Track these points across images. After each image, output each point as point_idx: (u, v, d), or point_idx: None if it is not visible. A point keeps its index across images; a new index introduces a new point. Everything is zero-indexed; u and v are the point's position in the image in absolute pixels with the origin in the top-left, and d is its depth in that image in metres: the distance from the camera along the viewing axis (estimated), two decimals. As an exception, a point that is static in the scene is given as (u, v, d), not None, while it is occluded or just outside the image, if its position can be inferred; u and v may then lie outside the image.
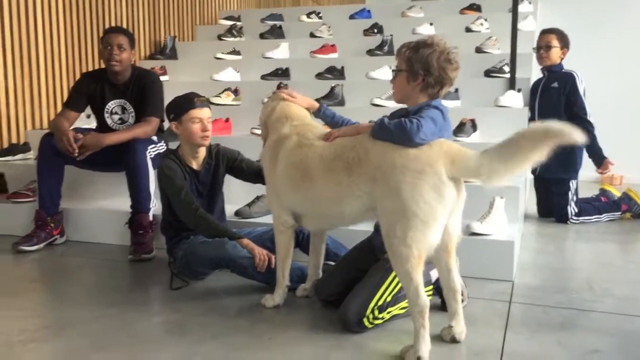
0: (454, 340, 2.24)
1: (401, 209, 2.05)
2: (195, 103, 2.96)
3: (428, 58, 2.27)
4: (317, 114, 2.66)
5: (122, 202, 3.66)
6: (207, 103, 3.05)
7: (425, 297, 2.08)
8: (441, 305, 2.48)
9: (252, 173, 3.13)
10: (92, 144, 3.39)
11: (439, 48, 2.29)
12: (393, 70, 2.41)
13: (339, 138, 2.34)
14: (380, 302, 2.35)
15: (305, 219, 2.50)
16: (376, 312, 2.34)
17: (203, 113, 2.97)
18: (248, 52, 5.68)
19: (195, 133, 2.95)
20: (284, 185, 2.45)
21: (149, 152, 3.48)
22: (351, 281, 2.46)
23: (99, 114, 3.76)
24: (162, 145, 3.68)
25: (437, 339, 2.23)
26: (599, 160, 4.26)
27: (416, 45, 2.32)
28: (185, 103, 2.97)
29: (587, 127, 4.20)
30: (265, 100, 2.74)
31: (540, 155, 2.02)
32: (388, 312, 2.38)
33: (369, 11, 6.19)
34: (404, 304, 2.38)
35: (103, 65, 3.72)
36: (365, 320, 2.31)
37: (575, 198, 4.29)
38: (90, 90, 3.70)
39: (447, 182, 2.05)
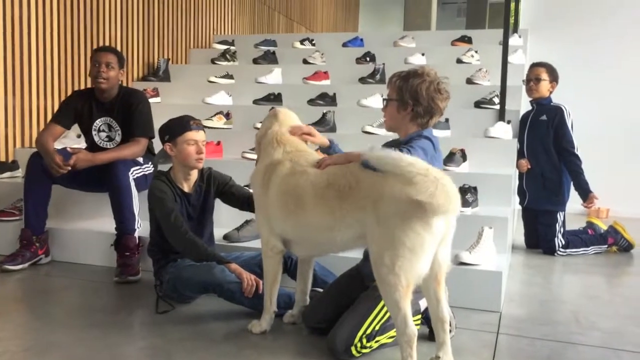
0: (441, 371, 2.22)
1: (390, 238, 2.06)
2: (192, 125, 2.98)
3: (417, 88, 2.31)
4: (326, 150, 2.66)
5: (109, 223, 3.63)
6: (202, 126, 3.06)
7: (413, 327, 2.08)
8: (429, 335, 2.47)
9: (240, 200, 3.12)
10: (83, 161, 3.38)
11: (429, 78, 2.33)
12: (384, 99, 2.44)
13: (330, 166, 2.35)
14: (368, 331, 2.33)
15: (296, 245, 2.50)
16: (364, 340, 2.32)
17: (199, 135, 2.99)
18: (241, 77, 5.71)
19: (190, 155, 2.95)
20: (275, 211, 2.45)
21: (132, 173, 3.47)
22: (339, 309, 2.45)
23: (86, 132, 3.76)
24: (148, 167, 3.67)
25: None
26: (585, 194, 4.29)
27: (406, 74, 2.36)
28: (182, 125, 2.98)
29: (573, 160, 4.26)
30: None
31: None
32: (376, 341, 2.36)
33: (361, 40, 6.26)
34: (392, 332, 2.37)
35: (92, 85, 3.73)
36: (353, 348, 2.30)
37: (562, 230, 4.32)
38: (78, 108, 3.70)
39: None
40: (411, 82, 2.33)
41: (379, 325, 2.36)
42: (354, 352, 2.30)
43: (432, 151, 2.24)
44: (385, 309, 2.32)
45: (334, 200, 2.24)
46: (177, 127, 2.99)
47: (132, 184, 3.43)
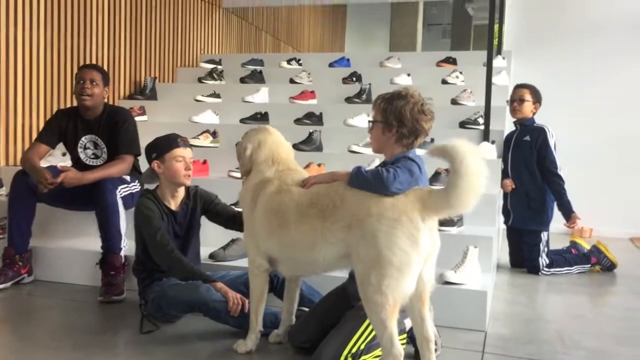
0: (426, 390, 2.22)
1: (376, 257, 2.08)
2: (179, 142, 3.01)
3: (402, 110, 2.34)
4: None
5: (93, 242, 3.61)
6: (189, 144, 3.09)
7: (399, 346, 2.09)
8: (414, 354, 2.47)
9: (225, 217, 3.12)
10: (72, 180, 3.36)
11: (413, 99, 2.36)
12: (370, 121, 2.47)
13: (315, 185, 2.37)
14: (353, 350, 2.33)
15: (280, 264, 2.50)
16: (349, 359, 2.31)
17: (186, 152, 3.01)
18: (228, 96, 5.73)
19: (178, 171, 2.96)
20: (261, 229, 2.46)
21: (120, 192, 3.45)
22: (325, 328, 2.45)
23: (72, 150, 3.75)
24: (134, 186, 3.66)
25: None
26: (567, 214, 4.34)
27: (390, 97, 2.39)
28: (169, 142, 3.00)
29: (556, 180, 4.31)
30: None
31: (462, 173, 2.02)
32: None
33: (348, 60, 6.32)
34: (377, 352, 2.37)
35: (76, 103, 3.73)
36: None
37: (546, 249, 4.35)
38: (62, 126, 3.69)
39: (423, 230, 2.09)
40: (395, 104, 2.35)
41: (364, 344, 2.36)
42: None
43: (417, 173, 2.27)
44: (370, 327, 2.32)
45: (316, 219, 2.26)
46: (164, 145, 3.00)
47: (120, 202, 3.41)
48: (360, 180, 2.21)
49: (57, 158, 4.25)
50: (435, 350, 2.45)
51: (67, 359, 2.45)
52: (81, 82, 3.59)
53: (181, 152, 2.98)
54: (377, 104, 2.42)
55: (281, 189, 2.44)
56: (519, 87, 4.54)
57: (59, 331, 2.84)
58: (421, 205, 2.11)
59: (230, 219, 3.09)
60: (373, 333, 2.32)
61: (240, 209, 2.76)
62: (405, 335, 2.49)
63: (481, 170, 2.03)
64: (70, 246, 3.75)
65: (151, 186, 3.16)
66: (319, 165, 4.18)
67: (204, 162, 4.49)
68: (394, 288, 2.06)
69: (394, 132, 2.36)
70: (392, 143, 2.39)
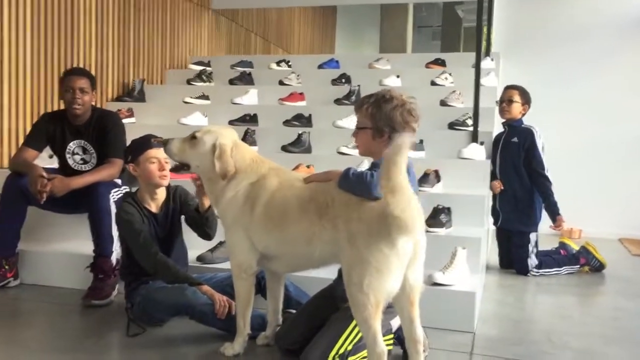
0: (414, 392, 2.22)
1: (358, 257, 2.11)
2: (152, 143, 2.98)
3: (391, 114, 2.32)
4: None
5: (80, 245, 3.58)
6: (164, 143, 3.03)
7: (383, 345, 2.10)
8: (403, 356, 2.46)
9: (196, 218, 3.05)
10: (60, 188, 3.31)
11: (399, 101, 2.35)
12: (358, 127, 2.43)
13: (313, 182, 2.39)
14: (341, 351, 2.34)
15: (276, 261, 2.49)
16: None
17: (160, 153, 2.96)
18: (217, 97, 5.71)
19: (153, 173, 2.94)
20: (259, 227, 2.43)
21: (112, 196, 3.42)
22: (313, 330, 2.45)
23: (60, 155, 3.71)
24: (126, 188, 3.63)
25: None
26: (553, 216, 4.35)
27: (376, 100, 2.36)
28: (142, 144, 2.99)
29: (543, 182, 4.32)
30: (207, 137, 2.55)
31: None
32: None
33: (337, 61, 6.31)
34: (364, 353, 2.36)
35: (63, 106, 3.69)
36: None
37: (535, 250, 4.36)
38: (50, 131, 3.65)
39: (399, 233, 2.08)
40: (384, 109, 2.33)
41: (351, 345, 2.36)
42: None
43: None
44: (357, 329, 2.32)
45: (314, 214, 2.28)
46: (138, 147, 2.99)
47: (112, 206, 3.38)
48: (347, 183, 2.23)
49: (45, 160, 4.19)
50: (424, 351, 2.45)
51: (52, 363, 2.43)
52: (71, 91, 3.54)
53: (154, 153, 2.95)
54: (364, 109, 2.38)
55: (282, 184, 2.43)
56: (508, 88, 4.55)
57: (44, 335, 2.81)
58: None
59: (198, 222, 3.03)
60: (360, 334, 2.32)
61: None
62: (391, 336, 2.49)
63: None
64: (58, 249, 3.72)
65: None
66: (308, 166, 4.17)
67: (193, 164, 4.45)
68: (375, 288, 2.08)
69: (385, 138, 2.35)
70: (383, 147, 2.35)
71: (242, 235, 2.48)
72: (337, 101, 5.31)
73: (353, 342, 2.36)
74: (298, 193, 2.37)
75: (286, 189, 2.41)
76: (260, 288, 2.81)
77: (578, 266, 4.44)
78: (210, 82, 6.07)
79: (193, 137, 2.56)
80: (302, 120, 5.02)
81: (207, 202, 2.88)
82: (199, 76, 6.03)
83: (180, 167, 2.64)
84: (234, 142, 2.56)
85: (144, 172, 2.96)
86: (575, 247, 4.59)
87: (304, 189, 2.37)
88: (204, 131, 2.58)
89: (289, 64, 6.39)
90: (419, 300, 2.27)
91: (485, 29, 6.00)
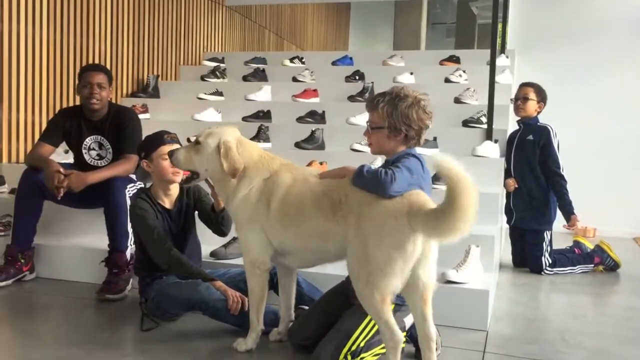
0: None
1: (364, 254, 2.14)
2: (165, 139, 2.98)
3: (408, 112, 2.31)
4: None
5: (96, 240, 3.61)
6: (177, 140, 3.05)
7: (399, 333, 2.15)
8: (415, 354, 2.46)
9: (206, 216, 3.08)
10: (77, 184, 3.33)
11: (414, 99, 2.34)
12: (373, 127, 2.40)
13: (327, 178, 2.40)
14: (353, 348, 2.34)
15: (291, 256, 2.49)
16: (349, 357, 2.33)
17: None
18: (230, 94, 5.73)
19: (165, 169, 2.94)
20: (275, 223, 2.42)
21: (128, 191, 3.45)
22: (326, 326, 2.45)
23: (76, 151, 3.73)
24: (140, 184, 3.65)
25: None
26: (568, 215, 4.31)
27: (391, 99, 2.34)
28: (155, 140, 3.00)
29: (559, 181, 4.29)
30: (204, 139, 2.53)
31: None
32: (361, 358, 2.36)
33: (351, 58, 6.30)
34: (377, 350, 2.39)
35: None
36: None
37: (549, 249, 4.33)
38: (66, 127, 3.68)
39: (410, 235, 2.10)
40: (400, 108, 2.31)
41: (364, 342, 2.37)
42: None
43: (419, 170, 2.26)
44: (370, 325, 2.36)
45: (328, 210, 2.29)
46: (151, 143, 3.00)
47: (129, 202, 3.40)
48: (361, 180, 2.23)
49: (60, 156, 4.24)
50: (436, 349, 2.45)
51: (68, 356, 2.45)
52: (88, 86, 3.56)
53: (167, 149, 2.91)
54: (379, 107, 2.34)
55: (297, 179, 2.44)
56: (523, 85, 4.51)
57: (59, 328, 2.84)
58: (409, 212, 2.11)
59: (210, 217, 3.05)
60: (373, 331, 2.35)
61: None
62: (404, 334, 2.48)
63: (474, 207, 2.01)
64: (73, 244, 3.75)
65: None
66: (321, 163, 4.17)
67: (206, 160, 4.47)
68: (379, 285, 2.12)
69: (402, 137, 2.34)
70: (398, 145, 2.37)
71: (258, 232, 2.47)
72: (351, 98, 5.30)
73: (366, 339, 2.37)
74: (313, 188, 2.38)
75: (300, 185, 2.42)
76: (273, 284, 2.82)
77: (592, 265, 4.41)
78: (224, 78, 6.09)
79: (197, 143, 2.55)
80: (316, 117, 5.02)
81: (222, 202, 2.88)
82: (213, 72, 6.05)
83: (191, 178, 2.63)
84: (237, 139, 2.54)
85: (157, 168, 2.97)
86: (589, 245, 4.55)
87: (318, 185, 2.38)
88: (206, 134, 2.55)
89: (303, 60, 6.39)
90: (432, 298, 2.26)
91: (500, 26, 5.96)
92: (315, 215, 2.32)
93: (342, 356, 2.31)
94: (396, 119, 2.31)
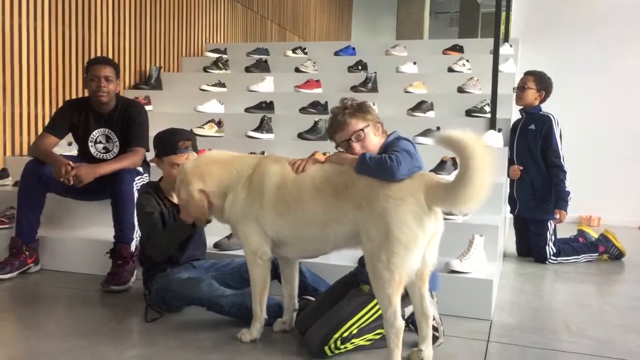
0: (422, 364, 2.33)
1: (385, 235, 2.15)
2: (178, 149, 2.93)
3: (369, 107, 2.47)
4: None
5: (101, 232, 3.62)
6: (191, 147, 2.99)
7: (401, 320, 2.19)
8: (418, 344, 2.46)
9: None
10: (86, 175, 3.33)
11: (356, 101, 2.50)
12: (358, 136, 2.43)
13: (327, 163, 2.43)
14: (345, 334, 2.39)
15: (288, 246, 2.50)
16: (339, 342, 2.38)
17: (184, 160, 2.91)
18: (233, 85, 5.72)
19: (174, 176, 2.89)
20: (273, 211, 2.43)
21: (136, 183, 3.46)
22: None
23: (82, 143, 3.73)
24: (147, 176, 3.66)
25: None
26: (557, 206, 4.24)
27: (352, 104, 2.46)
28: (169, 146, 2.94)
29: (557, 172, 4.24)
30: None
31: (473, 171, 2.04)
32: (352, 343, 2.42)
33: (353, 48, 6.28)
34: (370, 335, 2.45)
35: (87, 93, 3.71)
36: (326, 348, 2.37)
37: (553, 238, 4.32)
38: (73, 119, 3.67)
39: (427, 211, 2.16)
40: (364, 106, 2.46)
41: (357, 329, 2.42)
42: (327, 352, 2.38)
43: (413, 150, 2.31)
44: (367, 315, 2.41)
45: (330, 195, 2.31)
46: (164, 147, 2.96)
47: (136, 194, 3.40)
48: (366, 168, 2.25)
49: (64, 148, 4.25)
50: (438, 338, 2.50)
51: (73, 347, 2.46)
52: (96, 80, 3.56)
53: (178, 159, 2.90)
54: (353, 116, 2.42)
55: (285, 168, 2.46)
56: (525, 73, 4.49)
57: (64, 320, 2.85)
58: (426, 190, 2.17)
59: None
60: (369, 321, 2.41)
61: None
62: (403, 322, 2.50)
63: (489, 168, 2.05)
64: (78, 236, 3.76)
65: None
66: (324, 154, 4.14)
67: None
68: (401, 265, 2.14)
69: (382, 129, 2.48)
70: (380, 137, 2.47)
71: (253, 225, 2.49)
72: (354, 88, 5.29)
73: (360, 327, 2.42)
74: (312, 173, 2.39)
75: (292, 172, 2.44)
76: (277, 274, 2.82)
77: (597, 254, 4.40)
78: (226, 69, 6.08)
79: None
80: (319, 107, 5.01)
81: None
82: (215, 64, 6.04)
83: (207, 221, 2.74)
84: (195, 174, 2.58)
85: (166, 172, 2.98)
86: (594, 234, 4.54)
87: (316, 170, 2.40)
88: (177, 189, 2.66)
89: (305, 51, 6.38)
90: (440, 287, 2.34)
91: (504, 15, 5.92)
92: (314, 200, 2.34)
93: (331, 341, 2.36)
94: (369, 115, 2.45)
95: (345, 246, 2.41)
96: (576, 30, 6.34)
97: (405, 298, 2.34)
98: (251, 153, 4.17)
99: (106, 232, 3.48)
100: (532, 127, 4.36)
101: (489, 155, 2.06)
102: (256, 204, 2.48)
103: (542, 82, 4.40)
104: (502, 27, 5.15)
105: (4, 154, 4.59)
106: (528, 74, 4.46)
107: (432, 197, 2.16)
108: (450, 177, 3.89)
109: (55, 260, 3.67)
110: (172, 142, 2.95)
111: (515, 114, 4.81)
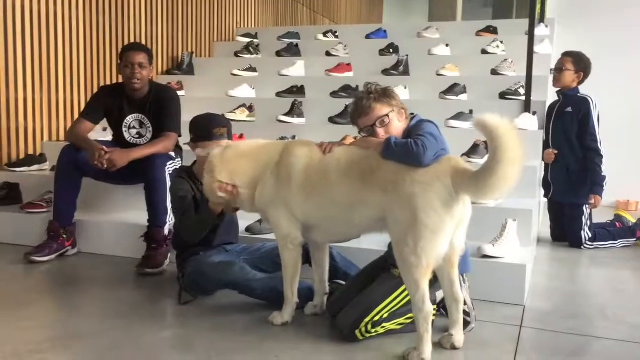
0: (453, 348, 2.34)
1: (412, 219, 2.14)
2: (213, 136, 2.91)
3: (393, 92, 2.46)
4: None
5: (136, 215, 3.69)
6: (229, 130, 2.98)
7: (430, 305, 2.18)
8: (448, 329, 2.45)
9: None
10: (120, 160, 3.40)
11: (380, 86, 2.50)
12: (383, 122, 2.41)
13: (353, 146, 2.43)
14: (376, 318, 2.39)
15: (316, 230, 2.51)
16: (369, 326, 2.38)
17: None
18: (264, 69, 5.72)
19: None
20: (299, 193, 2.44)
21: (168, 168, 3.50)
22: None
23: (116, 128, 3.80)
24: (179, 161, 3.71)
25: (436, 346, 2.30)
26: (592, 191, 4.17)
27: (377, 90, 2.45)
28: (205, 132, 2.92)
29: (593, 156, 4.14)
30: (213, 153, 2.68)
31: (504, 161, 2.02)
32: (382, 327, 2.41)
33: (385, 31, 6.21)
34: (401, 319, 2.44)
35: (121, 79, 3.76)
36: (357, 332, 2.37)
37: (589, 223, 4.24)
38: (108, 104, 3.73)
39: (454, 195, 2.15)
40: (389, 92, 2.44)
41: (387, 314, 2.41)
42: (358, 335, 2.38)
43: (438, 133, 2.29)
44: (397, 299, 2.40)
45: (356, 179, 2.31)
46: (200, 132, 2.94)
47: (168, 178, 3.45)
48: (392, 153, 2.24)
49: (98, 133, 4.32)
50: (470, 323, 2.48)
51: (110, 328, 2.52)
52: (130, 66, 3.61)
53: (213, 145, 2.86)
54: (382, 100, 2.42)
55: (313, 150, 2.46)
56: (563, 55, 4.38)
57: (101, 301, 2.92)
58: (453, 175, 2.15)
59: None
60: (399, 305, 2.40)
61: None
62: (434, 307, 2.48)
63: (517, 162, 2.03)
64: (114, 219, 3.84)
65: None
66: (355, 138, 4.13)
67: (241, 136, 4.50)
68: (428, 250, 2.13)
69: (406, 114, 2.47)
70: (404, 122, 2.46)
71: (283, 210, 2.50)
72: (385, 72, 5.24)
73: (391, 311, 2.41)
74: (338, 156, 2.39)
75: (319, 154, 2.44)
76: (308, 258, 2.83)
77: (634, 239, 4.31)
78: (257, 54, 6.09)
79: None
80: (349, 91, 4.98)
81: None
82: (247, 48, 6.05)
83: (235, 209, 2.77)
84: (224, 166, 2.60)
85: (199, 158, 2.98)
86: (631, 219, 4.44)
87: (344, 154, 2.39)
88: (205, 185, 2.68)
89: (336, 34, 6.34)
90: (471, 269, 2.33)
91: (539, -6, 5.78)
92: (340, 184, 2.33)
93: (362, 325, 2.36)
94: (394, 100, 2.44)
95: (372, 230, 2.40)
96: (613, 10, 6.16)
97: (435, 283, 2.33)
98: (282, 138, 4.19)
99: (141, 216, 3.54)
100: (570, 109, 4.26)
101: (520, 149, 2.03)
102: (285, 187, 2.48)
103: (580, 64, 4.29)
104: (538, 7, 5.04)
105: (42, 139, 4.70)
106: (566, 54, 4.35)
107: (458, 184, 2.14)
108: (482, 160, 3.84)
109: (92, 243, 3.75)
110: (209, 127, 2.94)
111: (550, 97, 4.71)
